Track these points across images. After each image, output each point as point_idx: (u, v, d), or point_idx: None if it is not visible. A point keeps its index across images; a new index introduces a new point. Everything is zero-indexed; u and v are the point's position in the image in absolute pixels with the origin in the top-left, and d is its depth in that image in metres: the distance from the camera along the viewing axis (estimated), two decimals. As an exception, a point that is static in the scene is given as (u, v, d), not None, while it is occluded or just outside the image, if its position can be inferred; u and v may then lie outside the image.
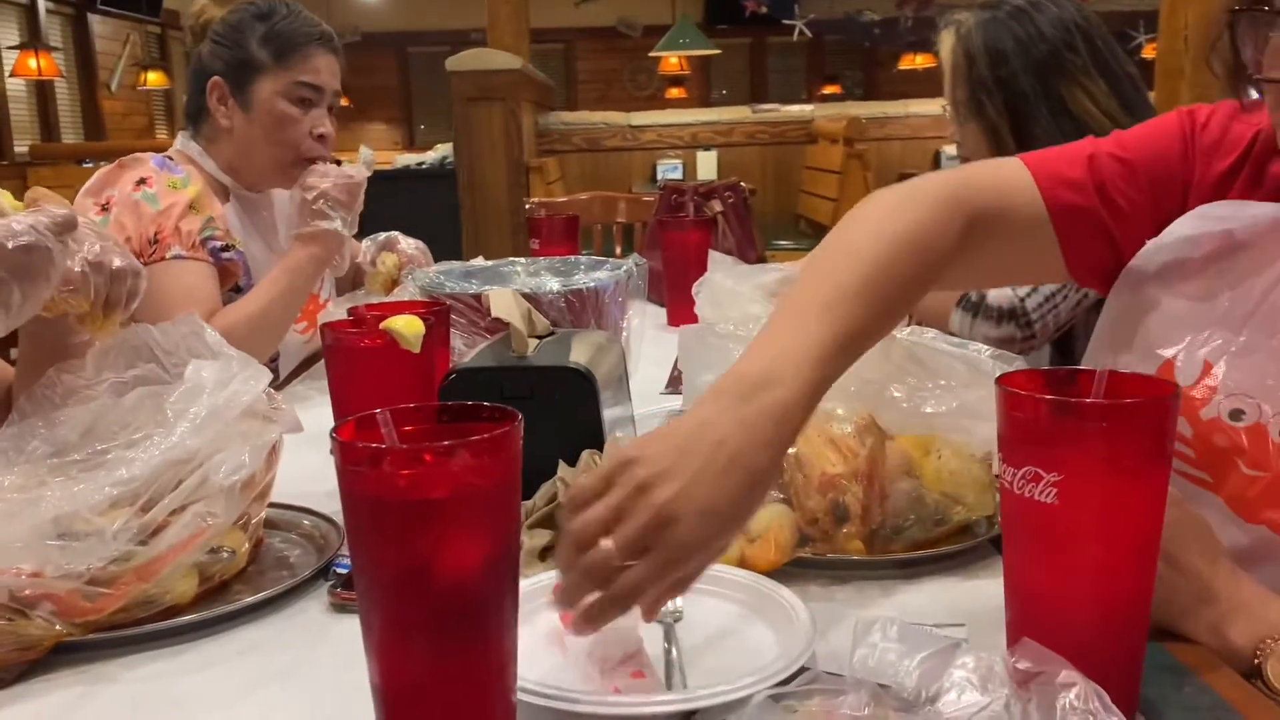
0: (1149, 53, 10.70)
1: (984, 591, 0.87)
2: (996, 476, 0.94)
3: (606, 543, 0.64)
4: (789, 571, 0.88)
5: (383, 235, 1.89)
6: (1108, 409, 0.64)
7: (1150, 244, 0.93)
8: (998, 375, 0.96)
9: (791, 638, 0.75)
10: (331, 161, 1.73)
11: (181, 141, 1.78)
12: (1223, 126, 0.93)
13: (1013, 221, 0.92)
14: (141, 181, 1.63)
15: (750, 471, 0.68)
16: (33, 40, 8.29)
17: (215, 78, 1.71)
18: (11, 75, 8.06)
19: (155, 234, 1.58)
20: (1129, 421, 0.63)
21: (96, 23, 9.45)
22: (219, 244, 1.65)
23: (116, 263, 0.93)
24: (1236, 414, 0.86)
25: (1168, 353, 0.90)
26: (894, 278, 0.81)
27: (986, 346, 1.05)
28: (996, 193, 0.92)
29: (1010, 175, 0.93)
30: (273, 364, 1.73)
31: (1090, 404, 0.65)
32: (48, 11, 8.76)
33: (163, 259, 1.57)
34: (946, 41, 1.58)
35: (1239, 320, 0.87)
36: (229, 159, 1.75)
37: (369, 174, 1.67)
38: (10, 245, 0.84)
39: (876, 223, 0.85)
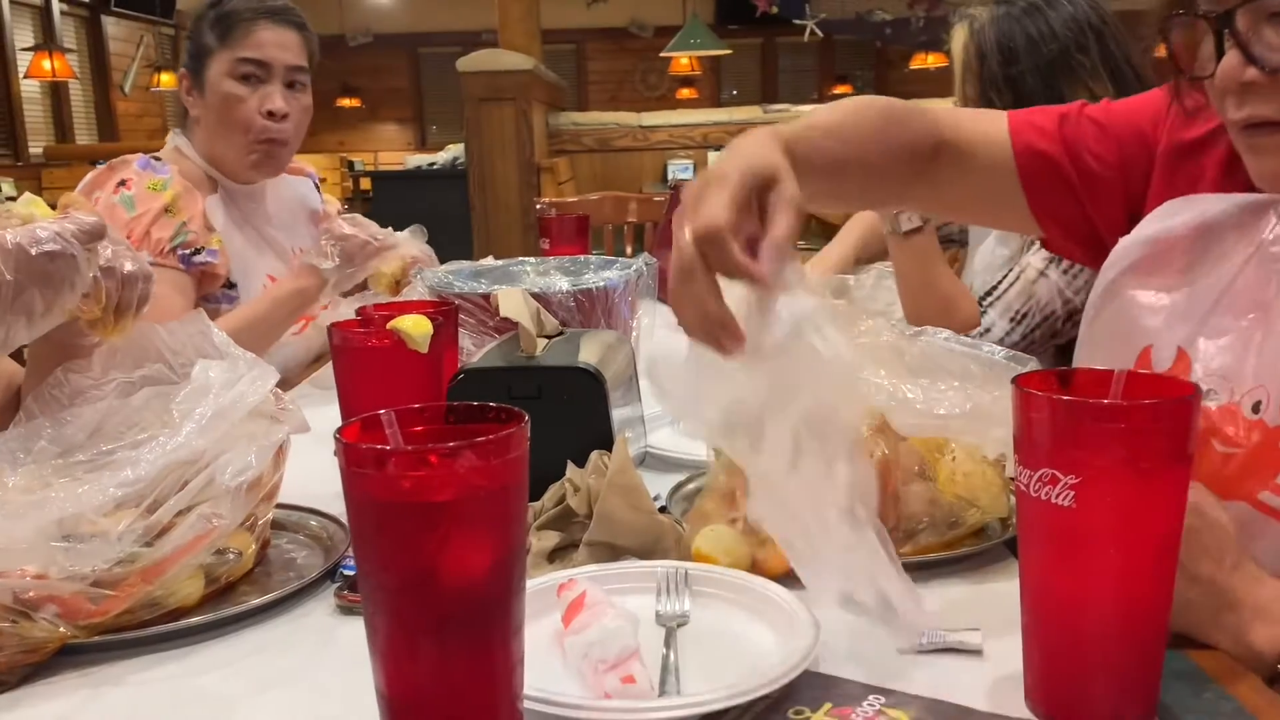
0: (1162, 52, 10.65)
1: (999, 595, 0.86)
2: (1012, 479, 0.94)
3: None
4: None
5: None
6: (1126, 410, 0.63)
7: (1123, 241, 0.96)
8: (1013, 376, 0.95)
9: (792, 643, 0.74)
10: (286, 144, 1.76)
11: (174, 138, 1.80)
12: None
13: (980, 155, 1.00)
14: (122, 183, 1.64)
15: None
16: (47, 42, 8.33)
17: (182, 69, 1.76)
18: (26, 77, 8.10)
19: (127, 237, 1.59)
20: (1148, 423, 0.62)
21: (110, 24, 9.49)
22: (189, 250, 1.65)
23: (128, 267, 0.93)
24: (1209, 395, 0.87)
25: (1144, 342, 0.92)
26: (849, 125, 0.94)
27: (1000, 348, 1.03)
28: (973, 125, 1.01)
29: (989, 117, 1.04)
30: None
31: (1108, 405, 0.64)
32: (62, 13, 8.81)
33: None
34: (959, 37, 1.57)
35: (1210, 305, 0.89)
36: (206, 149, 1.76)
37: (403, 251, 1.66)
38: (34, 251, 0.84)
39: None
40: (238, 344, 1.52)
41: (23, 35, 8.27)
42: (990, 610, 0.82)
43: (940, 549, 0.91)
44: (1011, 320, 1.51)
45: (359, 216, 1.71)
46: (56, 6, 8.69)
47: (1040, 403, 0.64)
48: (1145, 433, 0.61)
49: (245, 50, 1.71)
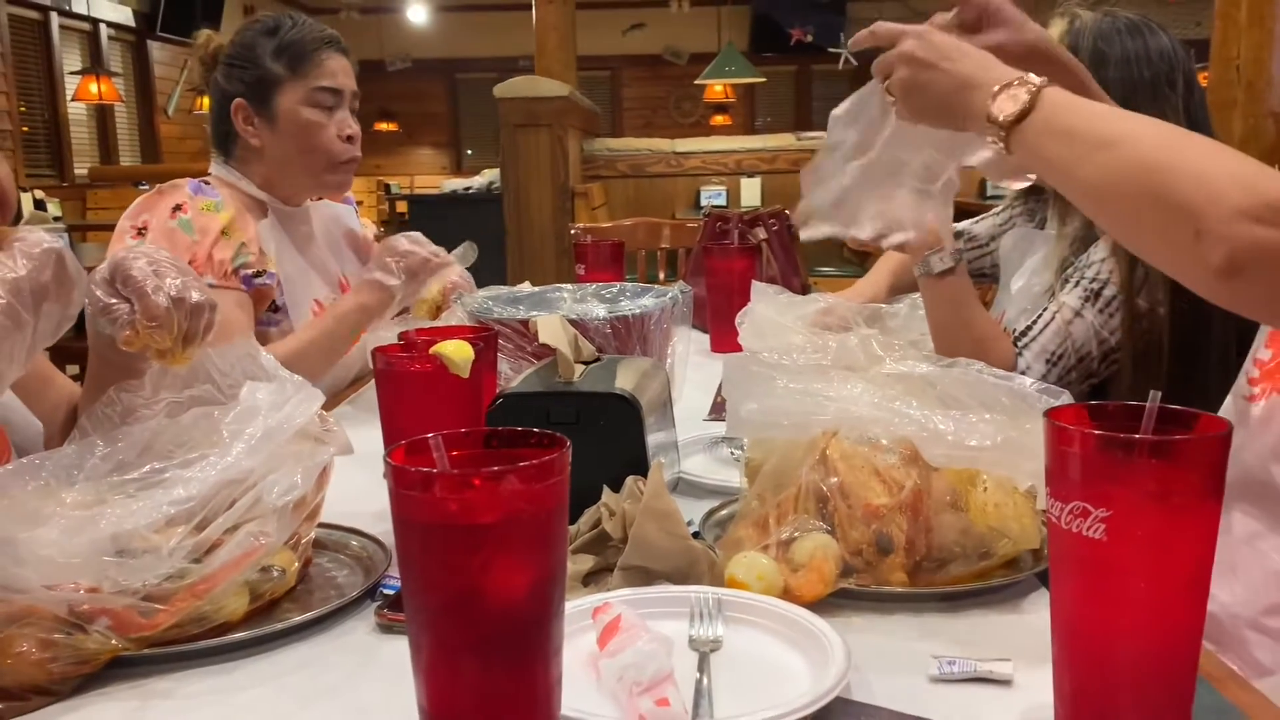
0: (1200, 81, 10.59)
1: (1030, 626, 0.86)
2: (1043, 511, 0.94)
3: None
4: (832, 602, 0.88)
5: None
6: (1158, 445, 0.64)
7: None
8: (1046, 409, 0.96)
9: (824, 670, 0.75)
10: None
11: (215, 168, 1.82)
12: None
13: None
14: (177, 208, 1.67)
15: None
16: (94, 66, 8.52)
17: (237, 100, 1.75)
18: (74, 100, 8.28)
19: (189, 263, 1.62)
20: (1180, 458, 0.63)
21: (155, 49, 9.69)
22: (251, 271, 1.69)
23: (195, 297, 0.96)
24: None
25: None
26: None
27: (1032, 380, 1.04)
28: None
29: None
30: None
31: (1140, 439, 0.65)
32: (109, 38, 9.01)
33: None
34: (1057, 26, 1.57)
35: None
36: (265, 176, 1.78)
37: (458, 266, 1.70)
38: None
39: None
40: (304, 361, 1.57)
41: (71, 59, 8.46)
42: (1021, 641, 0.83)
43: (971, 579, 0.91)
44: (1048, 363, 1.50)
45: (417, 234, 1.73)
46: (104, 32, 8.89)
47: (1072, 436, 0.65)
48: (1177, 467, 0.62)
49: (321, 80, 1.75)
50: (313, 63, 1.75)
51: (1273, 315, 0.92)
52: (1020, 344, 1.51)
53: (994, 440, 0.92)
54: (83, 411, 1.02)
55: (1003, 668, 0.78)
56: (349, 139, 1.78)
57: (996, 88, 0.98)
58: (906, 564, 0.90)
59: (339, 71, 1.78)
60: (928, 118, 1.09)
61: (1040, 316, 1.52)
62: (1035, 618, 0.87)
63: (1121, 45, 1.50)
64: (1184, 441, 0.64)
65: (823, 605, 0.86)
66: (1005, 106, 0.97)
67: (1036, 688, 0.75)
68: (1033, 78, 0.98)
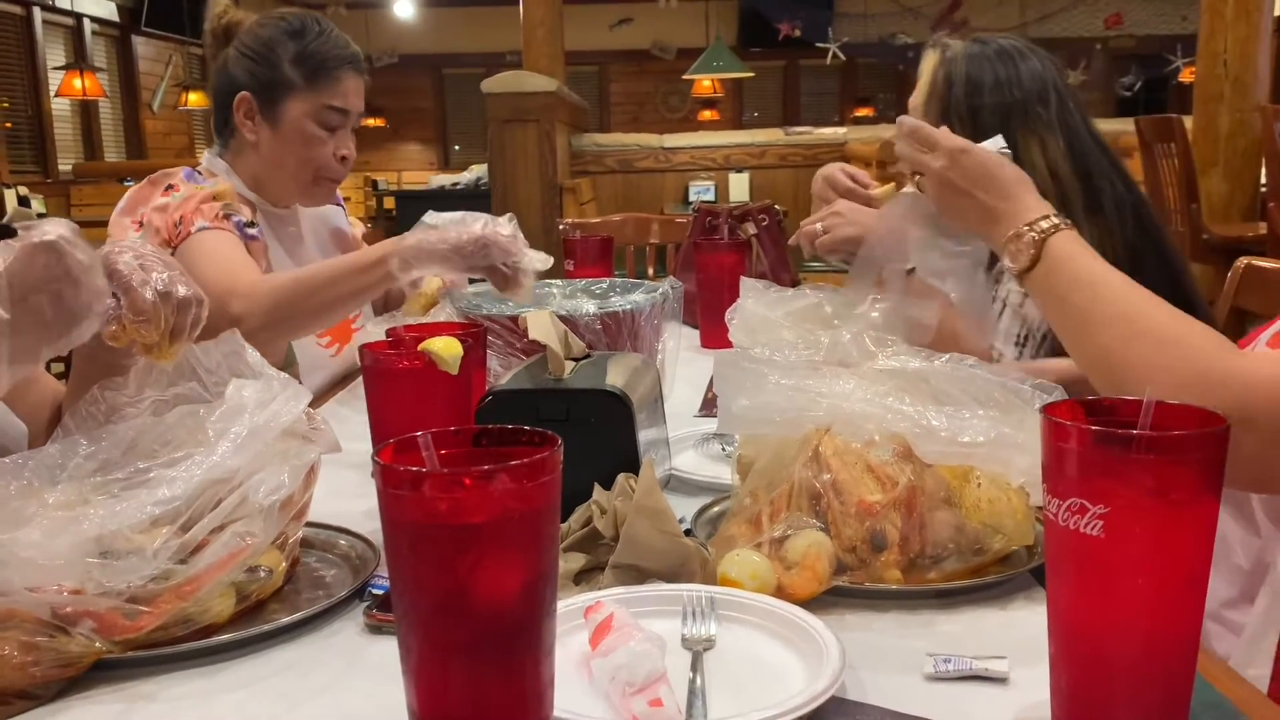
0: (1187, 76, 10.64)
1: (1024, 623, 0.86)
2: (1039, 508, 0.94)
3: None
4: (826, 600, 0.87)
5: None
6: (1156, 440, 0.63)
7: None
8: (1041, 405, 0.96)
9: (819, 669, 0.74)
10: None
11: (208, 159, 1.79)
12: None
13: None
14: (170, 188, 1.66)
15: None
16: (78, 61, 8.45)
17: (244, 93, 1.71)
18: (57, 95, 8.22)
19: (180, 218, 1.60)
20: (1179, 454, 0.62)
21: (140, 44, 9.63)
22: (243, 220, 1.66)
23: (182, 291, 0.94)
24: None
25: None
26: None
27: (1025, 375, 1.04)
28: None
29: None
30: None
31: (1138, 435, 0.64)
32: (93, 33, 8.94)
33: (189, 234, 1.58)
34: (929, 60, 1.62)
35: None
36: (254, 173, 1.76)
37: (527, 266, 1.48)
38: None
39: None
40: (302, 284, 1.47)
41: (54, 55, 8.40)
42: (1016, 638, 0.82)
43: (966, 576, 0.91)
44: (1016, 344, 1.52)
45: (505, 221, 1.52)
46: (88, 26, 8.82)
47: (1069, 432, 0.64)
48: (1176, 464, 0.62)
49: (333, 99, 1.72)
50: (331, 79, 1.72)
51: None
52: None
53: (987, 436, 0.92)
54: (67, 410, 1.00)
55: (998, 665, 0.77)
56: (343, 159, 1.76)
57: (1011, 233, 1.08)
58: (900, 561, 0.89)
59: (352, 92, 1.75)
60: (956, 220, 1.18)
61: (992, 307, 1.55)
62: (1030, 615, 0.87)
63: (993, 71, 1.57)
64: (1183, 437, 0.64)
65: (816, 603, 0.85)
66: (1016, 256, 1.07)
67: (1032, 685, 0.74)
68: (1044, 222, 1.06)
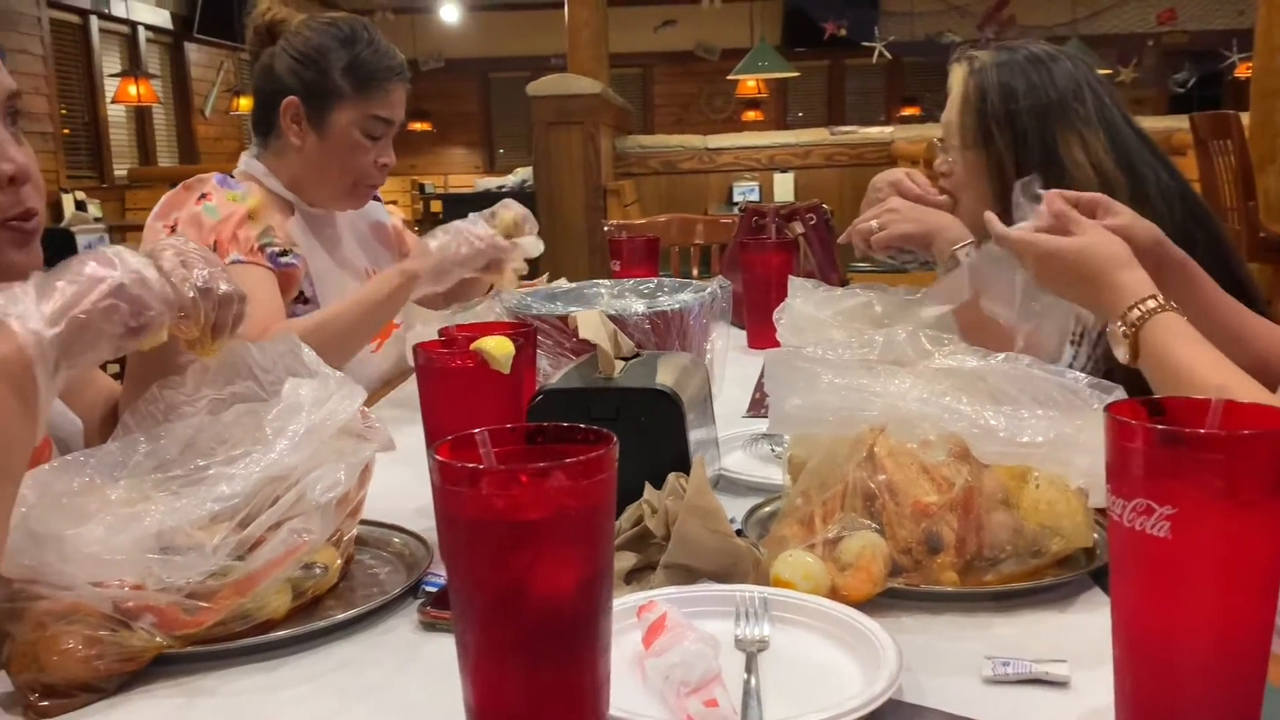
0: (1243, 72, 10.42)
1: (1084, 626, 0.84)
2: (1098, 510, 0.92)
3: None
4: (881, 602, 0.86)
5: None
6: (1226, 440, 0.61)
7: None
8: (1105, 404, 0.94)
9: (875, 671, 0.73)
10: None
11: (245, 161, 1.80)
12: None
13: None
14: (203, 196, 1.67)
15: None
16: (133, 68, 8.62)
17: (291, 98, 1.72)
18: (113, 102, 8.38)
19: (214, 242, 1.61)
20: (1249, 453, 0.60)
21: (192, 51, 9.80)
22: (277, 249, 1.68)
23: (223, 288, 0.95)
24: None
25: None
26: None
27: (1084, 375, 1.02)
28: None
29: None
30: None
31: (1207, 435, 0.62)
32: (147, 40, 9.11)
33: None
34: (958, 73, 1.61)
35: None
36: (294, 175, 1.77)
37: (512, 246, 1.68)
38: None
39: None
40: (327, 329, 1.53)
41: (110, 62, 8.56)
42: (1076, 641, 0.81)
43: (1023, 578, 0.89)
44: (1071, 344, 1.50)
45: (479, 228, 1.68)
46: (143, 34, 8.99)
47: (1134, 431, 0.63)
48: (1246, 463, 0.60)
49: (380, 109, 1.74)
50: (379, 89, 1.73)
51: None
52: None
53: (1047, 436, 0.90)
54: (124, 409, 1.02)
55: (1059, 669, 0.76)
56: (383, 166, 1.78)
57: (1111, 329, 1.11)
58: (957, 563, 0.88)
59: (397, 103, 1.77)
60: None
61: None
62: (1090, 618, 0.85)
63: (1025, 76, 1.55)
64: (1253, 436, 0.62)
65: (871, 605, 0.85)
66: (1120, 352, 1.11)
67: (1094, 690, 0.73)
68: (1133, 313, 1.09)
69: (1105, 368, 1.34)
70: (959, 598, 0.88)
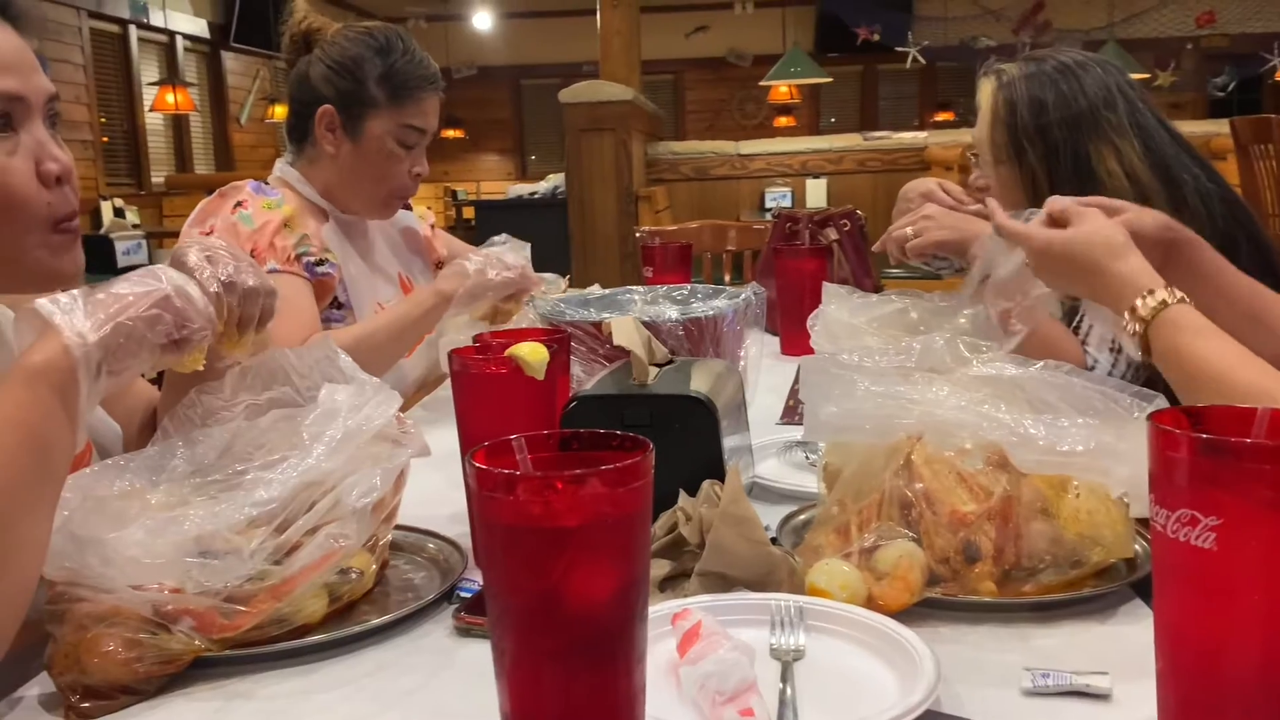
0: (1284, 75, 10.28)
1: (1126, 638, 0.83)
2: (1139, 519, 0.91)
3: None
4: (918, 612, 0.85)
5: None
6: (1274, 450, 0.60)
7: None
8: (1142, 412, 0.93)
9: (913, 681, 0.72)
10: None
11: (280, 168, 1.81)
12: None
13: None
14: (239, 204, 1.69)
15: None
16: (171, 77, 8.73)
17: (327, 106, 1.73)
18: (151, 110, 8.49)
19: (251, 251, 1.62)
20: (1297, 464, 0.59)
21: (229, 59, 9.91)
22: (313, 259, 1.69)
23: (249, 282, 0.96)
24: None
25: None
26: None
27: (1125, 383, 1.01)
28: None
29: None
30: None
31: (1254, 444, 0.61)
32: (185, 49, 9.23)
33: None
34: (986, 87, 1.60)
35: None
36: (328, 183, 1.78)
37: (542, 290, 1.69)
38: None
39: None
40: (367, 342, 1.55)
41: (149, 71, 8.68)
42: (1117, 653, 0.80)
43: (1062, 589, 0.88)
44: (1111, 350, 1.48)
45: (524, 251, 1.72)
46: (180, 43, 9.11)
47: (1179, 441, 0.62)
48: (1294, 474, 0.59)
49: (414, 118, 1.75)
50: (413, 99, 1.74)
51: None
52: (1081, 338, 1.49)
53: (1087, 445, 0.89)
54: (163, 414, 1.03)
55: (1100, 681, 0.75)
56: (416, 176, 1.79)
57: (1119, 325, 1.06)
58: (995, 573, 0.87)
59: (431, 112, 1.78)
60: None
61: (1085, 315, 1.51)
62: (1132, 629, 0.84)
63: (1055, 87, 1.53)
64: (1302, 446, 0.61)
65: (908, 615, 0.84)
66: (1132, 346, 1.06)
67: (1136, 702, 0.72)
68: (1143, 308, 1.03)
69: (1146, 375, 1.32)
70: (997, 608, 0.87)
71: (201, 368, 0.93)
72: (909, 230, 1.58)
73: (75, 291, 0.85)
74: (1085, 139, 1.49)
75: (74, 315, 0.82)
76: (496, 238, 1.99)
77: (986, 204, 1.25)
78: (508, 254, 1.70)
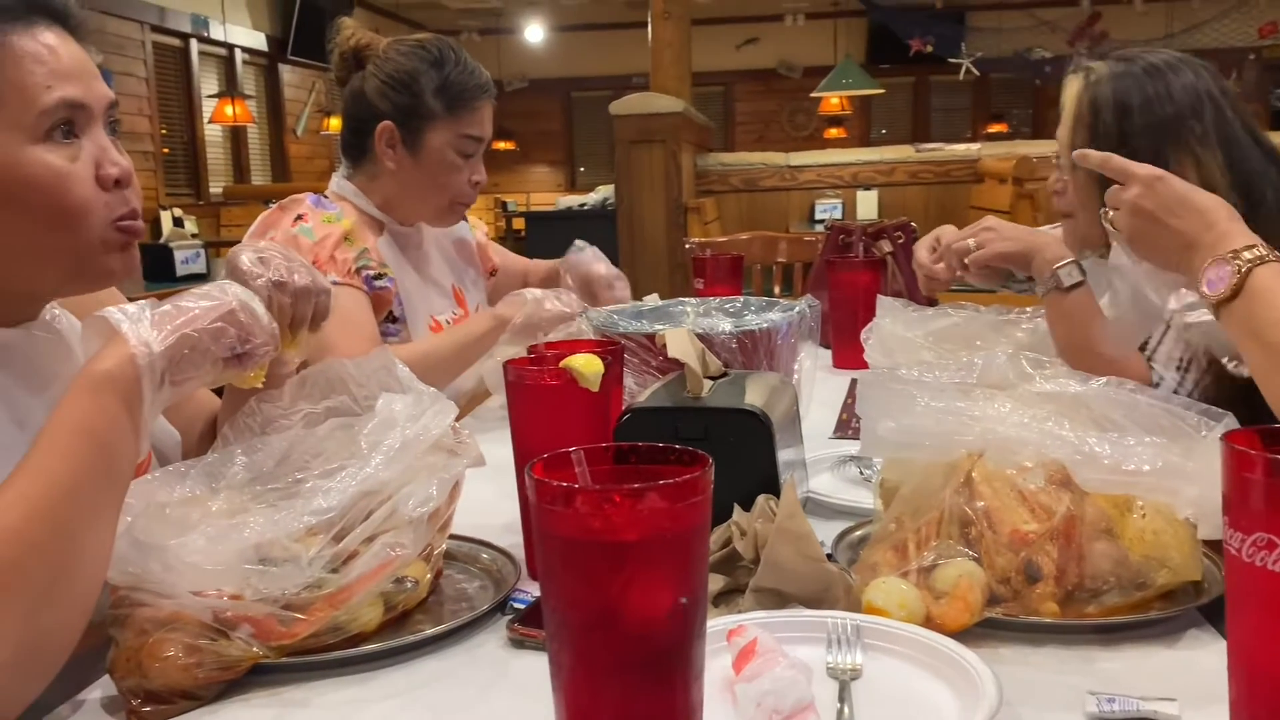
0: None
1: (1194, 663, 0.81)
2: (1205, 541, 0.88)
3: None
4: (977, 632, 0.84)
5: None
6: (1356, 473, 0.58)
7: None
8: (1209, 431, 0.90)
9: (974, 703, 0.71)
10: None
11: (336, 183, 1.83)
12: None
13: None
14: (299, 218, 1.71)
15: None
16: (229, 89, 8.90)
17: (386, 122, 1.74)
18: (210, 122, 8.66)
19: (312, 262, 1.64)
20: (1382, 488, 0.57)
21: (286, 72, 10.08)
22: (372, 273, 1.71)
23: (300, 281, 0.98)
24: None
25: None
26: None
27: (1192, 400, 0.98)
28: None
29: None
30: None
31: (1335, 467, 0.59)
32: (243, 62, 9.40)
33: None
34: (1072, 86, 1.54)
35: None
36: (386, 196, 1.80)
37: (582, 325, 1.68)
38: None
39: None
40: (426, 362, 1.58)
41: (208, 83, 8.86)
42: (1186, 679, 0.78)
43: (1127, 611, 0.86)
44: (1179, 369, 1.44)
45: (569, 299, 1.73)
46: (239, 56, 9.29)
47: (1255, 462, 0.60)
48: (1378, 498, 0.57)
49: (472, 128, 1.77)
50: (469, 108, 1.76)
51: None
52: (1146, 355, 1.45)
53: (1153, 464, 0.87)
54: (223, 422, 1.04)
55: (1168, 708, 0.73)
56: (475, 184, 1.81)
57: (1210, 261, 1.03)
58: (1057, 594, 0.85)
59: (487, 120, 1.80)
60: (1153, 262, 1.14)
61: (1157, 329, 1.47)
62: (1201, 655, 0.82)
63: (1141, 90, 1.47)
64: (1386, 470, 0.59)
65: (967, 635, 0.82)
66: (1215, 284, 1.02)
67: (1208, 733, 0.69)
68: (1248, 252, 1.01)
69: (1212, 395, 1.29)
70: (1060, 630, 0.85)
71: (261, 385, 0.94)
72: (970, 242, 1.55)
73: (143, 302, 0.87)
74: (1166, 148, 1.43)
75: (140, 325, 0.84)
76: (578, 242, 2.02)
77: (1089, 158, 1.22)
78: (565, 294, 1.74)
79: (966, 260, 1.55)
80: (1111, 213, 1.16)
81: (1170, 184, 1.11)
